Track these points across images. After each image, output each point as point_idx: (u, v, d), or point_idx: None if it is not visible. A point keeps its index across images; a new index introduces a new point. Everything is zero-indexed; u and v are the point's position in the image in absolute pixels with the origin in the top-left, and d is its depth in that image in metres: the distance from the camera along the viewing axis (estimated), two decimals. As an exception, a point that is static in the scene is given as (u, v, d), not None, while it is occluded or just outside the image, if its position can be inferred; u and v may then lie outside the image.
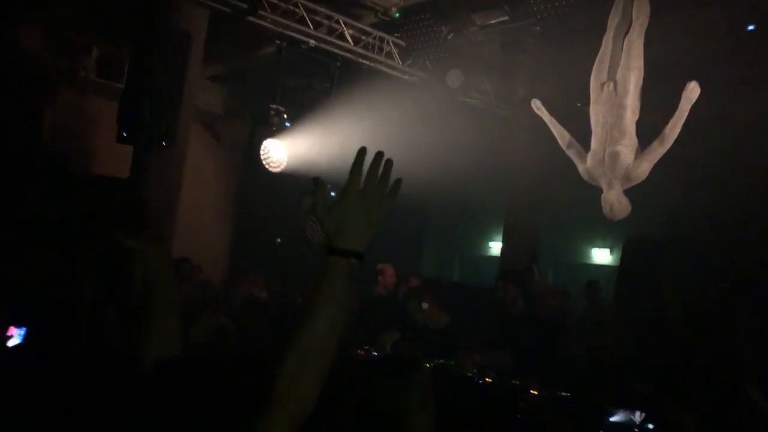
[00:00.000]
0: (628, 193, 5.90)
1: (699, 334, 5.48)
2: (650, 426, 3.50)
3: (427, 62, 8.40)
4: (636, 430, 3.53)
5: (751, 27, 6.71)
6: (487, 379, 4.81)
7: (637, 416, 3.54)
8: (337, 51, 7.89)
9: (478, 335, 5.64)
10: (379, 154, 1.52)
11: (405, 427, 1.63)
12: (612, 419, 3.61)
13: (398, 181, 1.56)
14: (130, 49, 7.17)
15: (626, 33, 5.80)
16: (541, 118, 6.28)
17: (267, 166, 8.05)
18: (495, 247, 11.96)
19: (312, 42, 7.59)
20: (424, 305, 5.88)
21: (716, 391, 4.09)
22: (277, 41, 7.71)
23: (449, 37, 7.80)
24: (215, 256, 10.42)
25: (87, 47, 8.93)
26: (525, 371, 4.88)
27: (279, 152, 8.08)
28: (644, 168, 5.57)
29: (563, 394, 4.36)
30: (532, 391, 4.52)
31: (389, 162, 1.53)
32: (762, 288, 7.50)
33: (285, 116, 8.15)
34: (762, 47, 6.65)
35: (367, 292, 7.15)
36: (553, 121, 6.14)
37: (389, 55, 8.31)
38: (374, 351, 5.38)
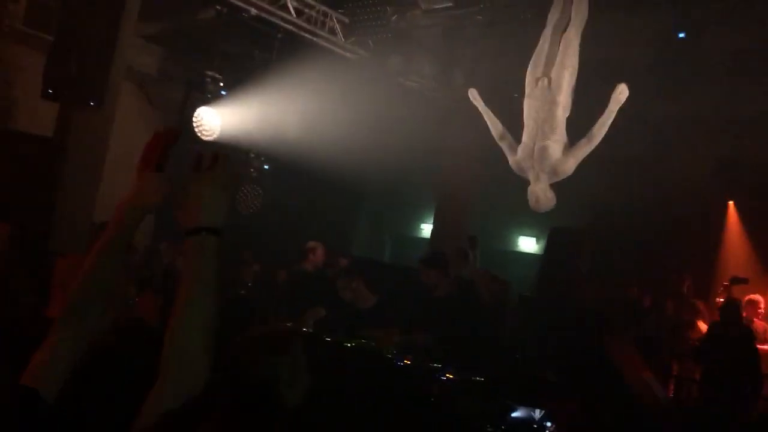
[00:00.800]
0: (554, 186, 6.08)
1: (601, 326, 5.75)
2: (548, 423, 3.67)
3: (370, 41, 8.37)
4: (534, 426, 3.69)
5: (681, 35, 6.96)
6: (405, 361, 4.90)
7: (537, 413, 3.71)
8: (278, 22, 7.75)
9: (404, 316, 5.73)
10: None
11: (273, 402, 1.66)
12: (514, 414, 3.77)
13: (224, 156, 1.63)
14: (61, 0, 6.85)
15: (564, 30, 5.92)
16: (477, 107, 6.37)
17: (199, 134, 7.87)
18: (427, 229, 12.11)
19: (253, 10, 7.43)
20: (353, 285, 5.94)
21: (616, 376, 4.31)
22: (217, 6, 7.50)
23: (393, 18, 7.79)
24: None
25: (15, -6, 8.48)
26: (448, 354, 4.99)
27: (212, 120, 7.92)
28: (571, 164, 5.73)
29: (477, 379, 4.50)
30: (447, 375, 4.65)
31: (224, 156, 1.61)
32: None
33: (221, 84, 7.97)
34: (690, 55, 6.92)
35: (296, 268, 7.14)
36: (488, 111, 6.23)
37: (332, 30, 8.22)
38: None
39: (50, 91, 6.34)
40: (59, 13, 6.78)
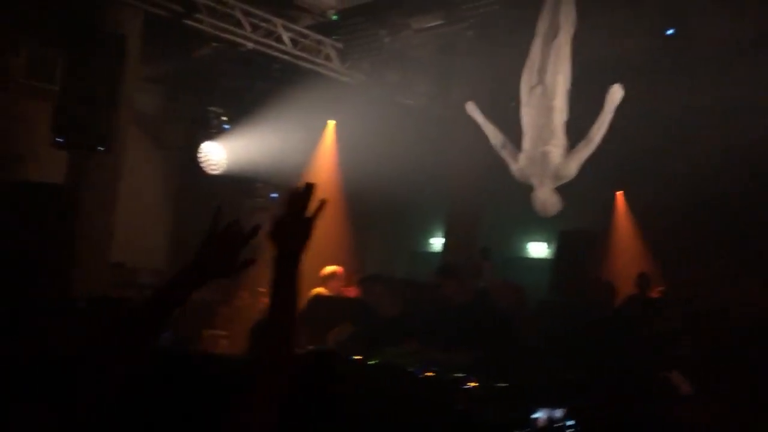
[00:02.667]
0: (559, 190, 6.18)
1: (626, 322, 5.80)
2: (569, 422, 3.74)
3: (365, 64, 8.53)
4: (557, 425, 3.76)
5: (670, 31, 7.08)
6: (428, 373, 4.96)
7: (558, 413, 3.78)
8: (275, 53, 7.92)
9: (423, 327, 5.81)
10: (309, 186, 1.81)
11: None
12: (537, 416, 3.83)
13: (323, 202, 1.81)
14: (63, 51, 7.03)
15: (555, 37, 6.06)
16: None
17: (206, 169, 8.02)
18: (437, 244, 12.19)
19: (249, 45, 7.60)
20: (377, 288, 6.05)
21: (640, 376, 4.37)
22: (214, 44, 7.69)
23: (386, 40, 7.94)
24: (154, 261, 10.29)
25: (14, 47, 8.68)
26: (472, 363, 5.05)
27: (218, 154, 8.07)
28: (572, 167, 5.84)
29: (500, 386, 4.55)
30: (471, 384, 4.70)
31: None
32: (687, 278, 7.95)
33: (224, 118, 8.14)
34: (681, 51, 7.03)
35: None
36: (487, 123, 6.36)
37: (327, 57, 8.38)
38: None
39: (59, 139, 6.50)
40: (63, 64, 6.96)
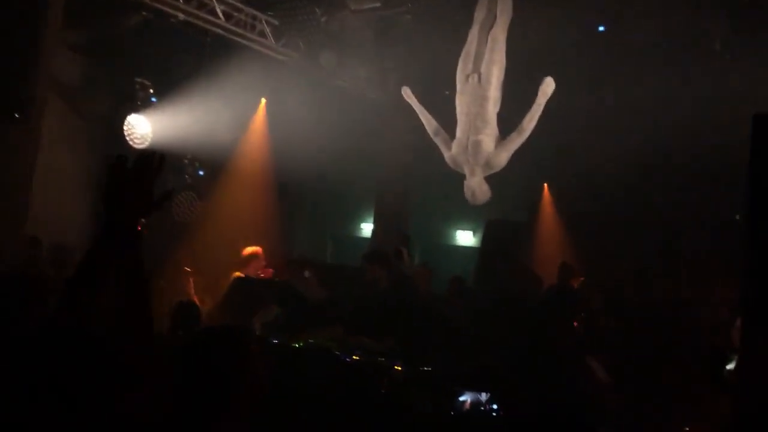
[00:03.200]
0: (488, 179, 6.26)
1: (547, 310, 5.95)
2: (494, 406, 3.81)
3: (301, 43, 8.38)
4: (482, 408, 3.83)
5: (601, 28, 7.27)
6: (354, 357, 4.97)
7: (483, 397, 3.85)
8: (207, 26, 7.67)
9: (349, 313, 5.81)
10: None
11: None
12: (462, 398, 3.89)
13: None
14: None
15: (491, 28, 6.11)
16: (411, 105, 6.50)
17: (131, 142, 7.71)
18: (367, 229, 12.19)
19: (181, 15, 7.33)
20: (306, 273, 6.01)
21: (561, 365, 4.48)
22: (143, 12, 7.37)
23: (323, 20, 7.83)
24: (72, 236, 9.86)
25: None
26: (395, 348, 5.09)
27: (144, 128, 7.77)
28: (503, 157, 5.93)
29: (424, 370, 4.60)
30: (396, 368, 4.73)
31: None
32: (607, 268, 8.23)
33: (151, 90, 7.83)
34: (611, 47, 7.23)
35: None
36: (422, 108, 6.37)
37: (262, 33, 8.19)
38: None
39: (-29, 105, 6.11)
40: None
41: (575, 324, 5.52)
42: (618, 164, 8.52)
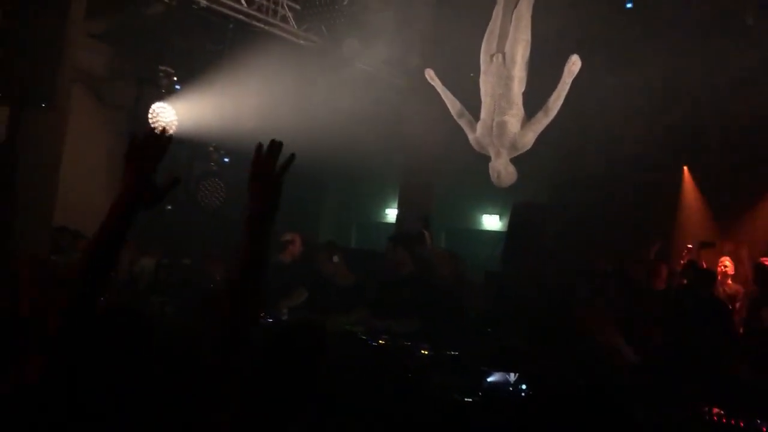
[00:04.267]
0: (514, 161, 6.17)
1: (568, 296, 5.88)
2: (523, 386, 3.77)
3: (323, 27, 8.33)
4: (510, 388, 3.79)
5: (629, 5, 7.10)
6: (380, 341, 4.97)
7: (512, 377, 3.81)
8: (229, 12, 7.65)
9: (373, 296, 5.81)
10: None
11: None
12: (490, 379, 3.85)
13: (292, 156, 1.89)
14: (4, 3, 6.66)
15: (515, 6, 5.99)
16: (435, 88, 6.42)
17: (156, 130, 7.76)
18: (391, 214, 12.16)
19: (203, 2, 7.32)
20: (335, 258, 6.03)
21: (584, 340, 4.43)
22: (166, 0, 7.38)
23: (344, 3, 7.77)
24: (96, 223, 9.96)
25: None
26: (420, 331, 5.08)
27: (168, 115, 7.81)
28: (529, 138, 5.82)
29: (450, 353, 4.57)
30: (422, 351, 4.72)
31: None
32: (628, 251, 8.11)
33: (175, 78, 7.86)
34: (639, 24, 7.06)
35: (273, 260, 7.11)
36: (445, 90, 6.27)
37: (284, 18, 8.16)
38: (269, 318, 5.43)
39: (-1, 94, 6.19)
40: (1, 16, 6.59)
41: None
42: (647, 144, 8.36)
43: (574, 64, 5.69)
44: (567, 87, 5.71)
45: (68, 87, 6.69)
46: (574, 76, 5.74)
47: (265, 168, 1.82)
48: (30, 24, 6.11)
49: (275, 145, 1.82)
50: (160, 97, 7.76)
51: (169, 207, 8.47)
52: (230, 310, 1.75)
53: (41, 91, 6.22)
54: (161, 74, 7.76)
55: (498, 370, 3.88)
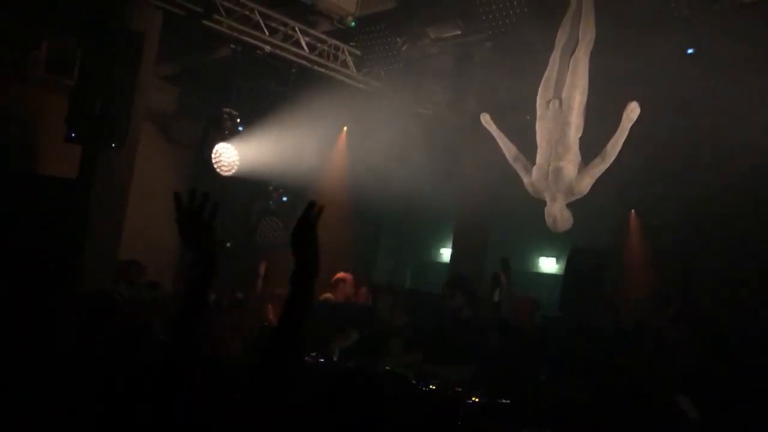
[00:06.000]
0: (571, 206, 6.12)
1: (631, 343, 5.72)
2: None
3: (382, 72, 8.51)
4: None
5: (690, 51, 7.01)
6: (431, 386, 4.92)
7: None
8: (292, 58, 7.92)
9: (429, 338, 5.78)
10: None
11: None
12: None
13: (321, 208, 2.04)
14: (82, 46, 7.06)
15: (573, 52, 6.01)
16: (490, 131, 6.46)
17: (218, 169, 8.02)
18: (446, 254, 12.13)
19: (267, 48, 7.61)
20: (387, 298, 6.03)
21: (647, 398, 4.30)
22: (232, 45, 7.70)
23: (403, 48, 7.93)
24: (163, 258, 10.30)
25: (36, 41, 8.73)
26: (475, 379, 5.01)
27: (231, 155, 8.07)
28: (586, 183, 5.78)
29: (503, 401, 4.50)
30: (473, 399, 4.66)
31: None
32: (693, 298, 7.86)
33: (238, 120, 8.14)
34: (700, 70, 6.95)
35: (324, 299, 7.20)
36: (501, 135, 6.31)
37: (344, 63, 8.38)
38: (320, 358, 5.46)
39: (74, 134, 6.52)
40: (81, 59, 6.99)
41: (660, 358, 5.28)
42: (709, 190, 8.15)
43: (633, 111, 5.65)
44: (625, 133, 5.67)
45: (138, 126, 7.01)
46: (632, 123, 5.70)
47: (309, 221, 1.98)
48: (107, 67, 6.43)
49: (313, 205, 2.00)
50: (223, 138, 8.04)
51: (228, 244, 8.70)
52: (273, 352, 1.86)
53: (114, 130, 6.52)
54: (226, 116, 8.05)
55: (550, 426, 3.80)
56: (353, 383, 2.20)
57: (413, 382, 4.96)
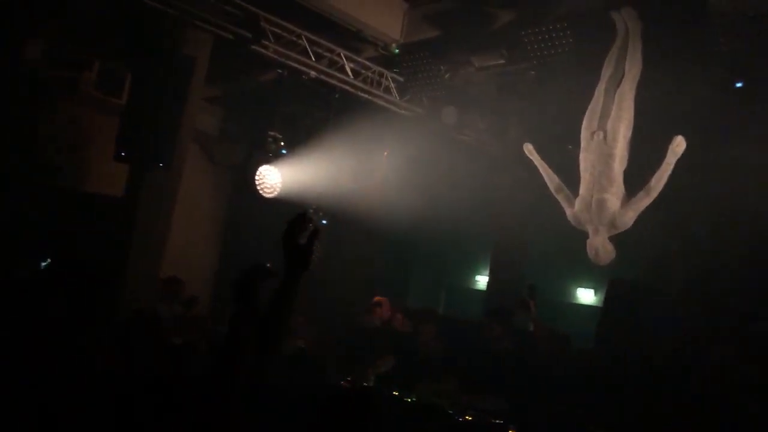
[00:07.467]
0: (613, 237, 6.05)
1: (677, 378, 5.59)
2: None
3: (424, 99, 8.57)
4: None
5: (739, 84, 6.91)
6: (466, 417, 4.89)
7: None
8: (336, 83, 8.03)
9: (466, 368, 5.75)
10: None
11: None
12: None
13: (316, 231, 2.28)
14: (133, 69, 7.26)
15: (618, 84, 5.99)
16: (532, 160, 6.45)
17: (261, 191, 8.14)
18: (482, 281, 12.05)
19: (313, 73, 7.73)
20: (425, 325, 6.03)
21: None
22: (278, 70, 7.84)
23: (446, 76, 7.98)
24: (202, 277, 10.45)
25: (88, 61, 9.00)
26: (508, 411, 4.97)
27: (274, 178, 8.18)
28: (630, 216, 5.72)
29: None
30: (510, 431, 4.61)
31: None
32: (739, 334, 7.64)
33: (282, 143, 8.26)
34: (748, 104, 6.85)
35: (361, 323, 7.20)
36: (544, 165, 6.30)
37: (387, 89, 8.46)
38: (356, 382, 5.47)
39: (123, 153, 6.68)
40: (132, 82, 7.19)
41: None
42: (756, 225, 7.96)
43: (678, 146, 5.60)
44: (670, 168, 5.61)
45: (185, 147, 7.16)
46: (678, 157, 5.64)
47: (292, 235, 2.16)
48: (157, 89, 6.60)
49: (301, 217, 2.16)
50: (267, 161, 8.16)
51: (269, 265, 8.74)
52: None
53: (162, 151, 6.67)
54: (270, 139, 8.18)
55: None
56: (392, 411, 2.25)
57: (449, 411, 4.94)
